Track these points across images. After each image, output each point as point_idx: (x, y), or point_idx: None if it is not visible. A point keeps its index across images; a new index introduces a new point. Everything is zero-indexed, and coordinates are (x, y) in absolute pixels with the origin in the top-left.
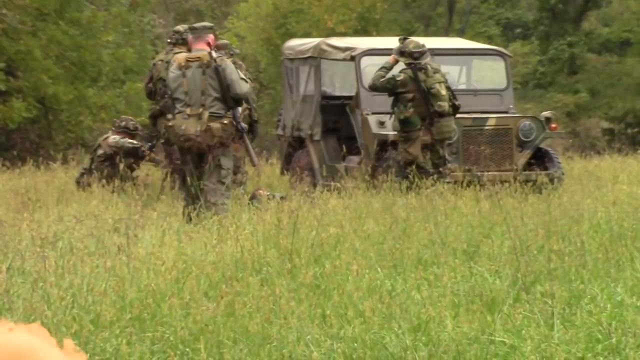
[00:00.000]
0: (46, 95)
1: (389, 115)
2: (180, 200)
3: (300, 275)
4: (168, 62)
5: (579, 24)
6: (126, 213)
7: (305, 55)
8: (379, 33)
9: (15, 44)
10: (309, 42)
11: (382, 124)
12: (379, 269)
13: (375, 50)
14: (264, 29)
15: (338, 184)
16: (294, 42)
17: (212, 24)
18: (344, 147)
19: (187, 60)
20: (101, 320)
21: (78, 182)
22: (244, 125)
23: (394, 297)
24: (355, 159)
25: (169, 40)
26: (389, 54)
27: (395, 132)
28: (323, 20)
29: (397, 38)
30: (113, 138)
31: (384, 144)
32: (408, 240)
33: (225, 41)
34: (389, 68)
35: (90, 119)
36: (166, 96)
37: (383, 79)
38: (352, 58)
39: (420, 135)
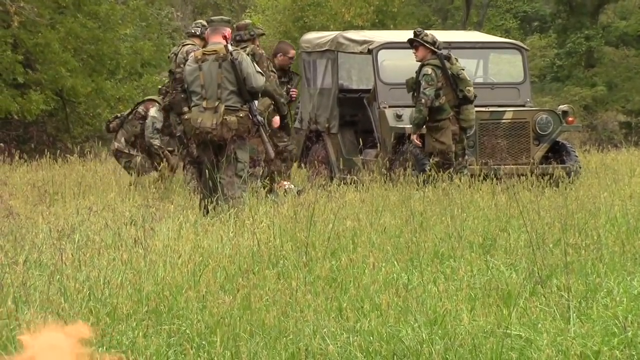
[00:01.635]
0: (64, 87)
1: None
2: (197, 192)
3: (316, 268)
4: (176, 55)
5: (597, 17)
6: (143, 206)
7: (323, 49)
8: (397, 26)
9: (33, 36)
10: (327, 35)
11: (399, 117)
12: (395, 262)
13: (392, 44)
14: (281, 22)
15: (355, 177)
16: (311, 35)
17: (229, 18)
18: (361, 140)
19: (204, 54)
20: (118, 313)
21: (108, 127)
22: (261, 118)
23: (410, 290)
24: (372, 152)
25: (191, 30)
26: (407, 48)
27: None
28: (340, 13)
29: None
30: (153, 116)
31: (401, 138)
32: (424, 233)
33: (247, 21)
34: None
35: (108, 111)
36: (175, 91)
37: (420, 110)
38: (370, 51)
39: (450, 125)
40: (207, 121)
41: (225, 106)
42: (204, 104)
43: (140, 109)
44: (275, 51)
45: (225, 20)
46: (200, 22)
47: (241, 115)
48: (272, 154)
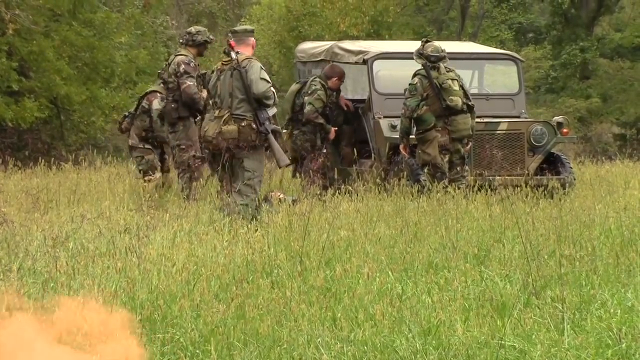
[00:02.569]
0: (58, 95)
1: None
2: (191, 200)
3: (310, 278)
4: (169, 65)
5: (591, 29)
6: (139, 210)
7: (318, 59)
8: (392, 36)
9: (28, 44)
10: (322, 45)
11: (393, 127)
12: (389, 272)
13: (387, 54)
14: (276, 31)
15: (350, 187)
16: (307, 45)
17: (253, 27)
18: (355, 150)
19: (222, 64)
20: None
21: (120, 128)
22: (272, 126)
23: (405, 300)
24: (367, 162)
25: (180, 41)
26: (401, 58)
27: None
28: (336, 23)
29: (409, 42)
30: (157, 109)
31: (396, 148)
32: (419, 244)
33: None
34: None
35: (102, 119)
36: (166, 100)
37: (401, 120)
38: (365, 61)
39: (438, 136)
40: (210, 130)
41: (233, 114)
42: (216, 112)
43: (144, 102)
44: (330, 74)
45: (249, 30)
46: (187, 31)
47: (243, 124)
48: (283, 162)
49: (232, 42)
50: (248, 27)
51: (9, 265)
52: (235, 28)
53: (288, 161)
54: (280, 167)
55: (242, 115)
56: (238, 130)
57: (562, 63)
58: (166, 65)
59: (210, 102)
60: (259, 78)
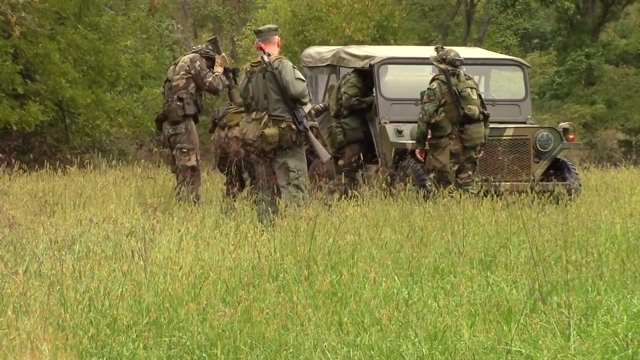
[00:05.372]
0: (64, 98)
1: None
2: (198, 204)
3: (317, 282)
4: (176, 65)
5: (597, 35)
6: (144, 217)
7: (324, 64)
8: (397, 41)
9: (33, 47)
10: (328, 50)
11: (399, 132)
12: (395, 277)
13: (394, 59)
14: (282, 36)
15: (356, 192)
16: (313, 50)
17: (276, 26)
18: (362, 155)
19: (252, 66)
20: (118, 324)
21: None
22: (309, 122)
23: (411, 305)
24: (373, 167)
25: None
26: (407, 63)
27: (414, 141)
28: (341, 28)
29: (415, 47)
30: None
31: (402, 153)
32: (425, 248)
33: None
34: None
35: (108, 123)
36: (170, 99)
37: (418, 125)
38: (371, 66)
39: (451, 144)
40: (249, 133)
41: (272, 116)
42: (253, 115)
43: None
44: None
45: (273, 29)
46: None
47: (283, 126)
48: (325, 157)
49: (261, 44)
50: (272, 25)
51: (15, 268)
52: (260, 28)
53: (329, 156)
54: (323, 163)
55: (280, 116)
56: (279, 133)
57: (567, 69)
58: (173, 65)
59: (247, 105)
60: (295, 78)
